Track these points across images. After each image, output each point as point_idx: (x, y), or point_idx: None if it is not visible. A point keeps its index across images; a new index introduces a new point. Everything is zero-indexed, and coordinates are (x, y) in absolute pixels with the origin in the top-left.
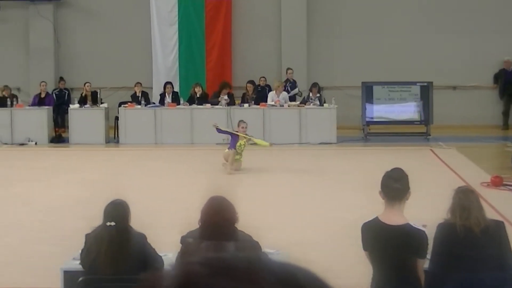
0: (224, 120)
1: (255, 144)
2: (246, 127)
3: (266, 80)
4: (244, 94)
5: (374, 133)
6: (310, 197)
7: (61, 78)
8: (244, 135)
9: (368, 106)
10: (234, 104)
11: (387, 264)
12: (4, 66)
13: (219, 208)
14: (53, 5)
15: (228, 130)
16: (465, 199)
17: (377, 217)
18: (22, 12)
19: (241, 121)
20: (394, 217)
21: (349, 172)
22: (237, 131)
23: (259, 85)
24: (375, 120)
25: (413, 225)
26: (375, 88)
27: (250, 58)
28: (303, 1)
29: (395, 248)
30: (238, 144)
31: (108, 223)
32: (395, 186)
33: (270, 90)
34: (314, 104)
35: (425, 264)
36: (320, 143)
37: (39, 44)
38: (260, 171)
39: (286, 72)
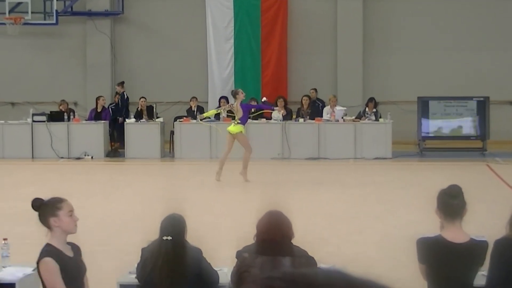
0: (279, 134)
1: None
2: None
3: (316, 92)
4: (299, 109)
5: (430, 148)
6: (365, 212)
7: (117, 93)
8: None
9: (424, 121)
10: (290, 119)
11: (450, 280)
12: (61, 80)
13: (276, 223)
14: (110, 20)
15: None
16: None
17: (440, 235)
18: (80, 27)
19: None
20: (457, 235)
21: (405, 188)
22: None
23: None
24: (431, 135)
25: (476, 239)
26: (431, 103)
27: (306, 73)
28: (359, 16)
29: (461, 265)
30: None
31: (165, 238)
32: (454, 202)
33: (322, 104)
34: (369, 119)
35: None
36: (376, 158)
37: (96, 59)
38: (315, 186)
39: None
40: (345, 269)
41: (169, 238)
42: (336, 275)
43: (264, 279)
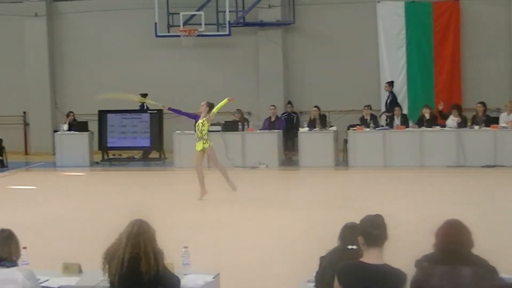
0: (454, 142)
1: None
2: (205, 105)
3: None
4: (474, 116)
5: None
6: None
7: (289, 102)
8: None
9: None
10: (465, 126)
11: None
12: (236, 90)
13: (455, 232)
14: (281, 30)
15: (183, 111)
16: None
17: None
18: (252, 37)
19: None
20: None
21: None
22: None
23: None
24: None
25: None
26: None
27: (480, 79)
28: None
29: None
30: (196, 124)
31: (350, 246)
32: None
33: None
34: None
35: None
36: None
37: (268, 69)
38: (491, 193)
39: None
40: (504, 280)
41: (354, 247)
42: None
43: None
